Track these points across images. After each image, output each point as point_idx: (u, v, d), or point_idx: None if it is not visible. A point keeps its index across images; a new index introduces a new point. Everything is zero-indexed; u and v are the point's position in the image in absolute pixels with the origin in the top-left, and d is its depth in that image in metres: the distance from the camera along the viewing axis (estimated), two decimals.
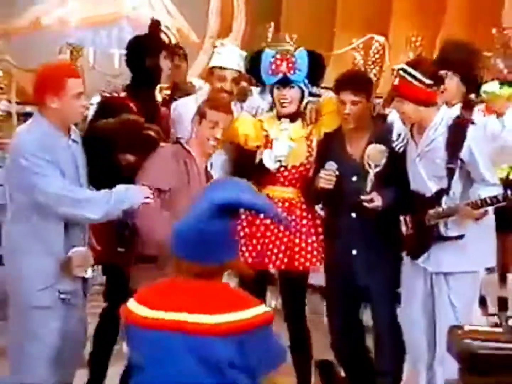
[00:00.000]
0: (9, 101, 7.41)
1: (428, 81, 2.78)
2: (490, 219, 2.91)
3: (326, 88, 3.53)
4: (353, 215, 3.04)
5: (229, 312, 1.89)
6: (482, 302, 3.73)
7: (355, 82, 3.07)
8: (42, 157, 2.68)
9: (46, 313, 2.71)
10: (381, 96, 4.77)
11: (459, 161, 2.79)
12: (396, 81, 2.82)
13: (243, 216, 3.08)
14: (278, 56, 3.08)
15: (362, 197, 2.95)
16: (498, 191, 2.76)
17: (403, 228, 2.93)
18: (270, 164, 3.01)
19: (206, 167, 3.02)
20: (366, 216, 2.99)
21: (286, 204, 3.09)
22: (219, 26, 9.48)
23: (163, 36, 3.57)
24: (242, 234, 3.10)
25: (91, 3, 9.15)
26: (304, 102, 3.13)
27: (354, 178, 3.02)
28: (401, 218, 2.93)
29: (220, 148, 3.10)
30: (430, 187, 2.84)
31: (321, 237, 3.13)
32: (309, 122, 3.12)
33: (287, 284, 3.12)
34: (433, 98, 2.80)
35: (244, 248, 3.09)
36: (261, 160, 3.04)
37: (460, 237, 2.82)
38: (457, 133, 2.79)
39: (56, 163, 2.71)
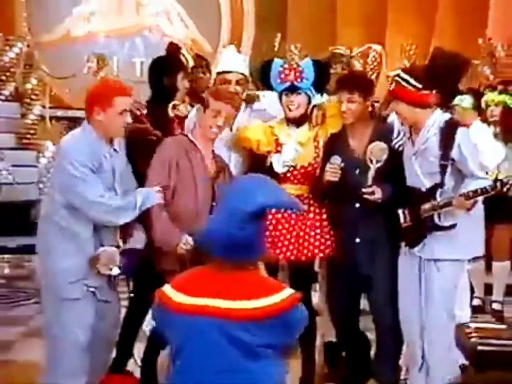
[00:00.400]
0: (43, 107, 7.65)
1: (420, 85, 2.93)
2: (479, 212, 3.01)
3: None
4: (357, 205, 3.09)
5: (260, 297, 1.93)
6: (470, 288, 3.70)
7: (351, 82, 3.18)
8: (86, 165, 2.75)
9: (75, 305, 2.75)
10: (378, 101, 4.96)
11: (450, 159, 2.90)
12: (392, 86, 2.98)
13: None
14: (286, 66, 3.14)
15: (364, 190, 2.99)
16: (487, 183, 2.87)
17: (402, 220, 3.02)
18: (279, 168, 3.11)
19: (213, 151, 3.07)
20: (369, 206, 3.04)
21: (305, 201, 3.13)
22: (230, 36, 9.65)
23: (181, 57, 3.62)
24: None
25: (114, 17, 9.40)
26: (310, 107, 3.21)
27: (357, 171, 3.07)
28: (400, 211, 3.03)
29: (233, 150, 3.17)
30: (425, 183, 2.96)
31: (327, 229, 3.18)
32: (315, 124, 3.23)
33: (295, 273, 3.18)
34: (425, 100, 2.94)
35: None
36: (271, 163, 3.13)
37: (453, 226, 2.92)
38: (448, 134, 2.92)
39: (97, 171, 2.79)
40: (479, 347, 1.98)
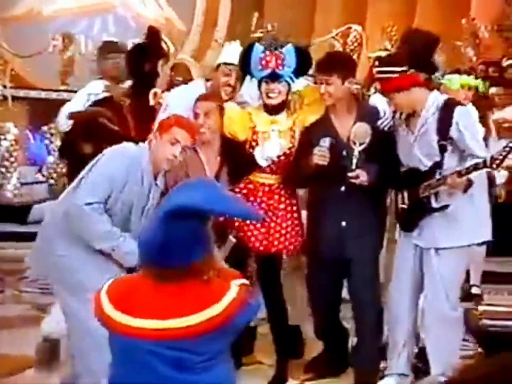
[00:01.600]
0: (4, 86, 7.27)
1: (405, 68, 2.85)
2: (482, 194, 2.92)
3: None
4: (342, 188, 3.04)
5: (196, 312, 1.76)
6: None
7: (328, 63, 3.09)
8: (113, 177, 2.64)
9: None
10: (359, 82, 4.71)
11: (449, 138, 2.84)
12: (379, 84, 2.98)
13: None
14: (267, 52, 3.05)
15: (349, 174, 2.96)
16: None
17: (399, 202, 2.94)
18: (262, 162, 3.01)
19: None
20: (355, 189, 2.99)
21: (266, 189, 3.10)
22: (205, 16, 9.33)
23: (162, 43, 3.54)
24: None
25: None
26: (289, 94, 3.14)
27: (343, 154, 3.03)
28: (398, 194, 2.95)
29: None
30: (425, 163, 2.89)
31: (298, 221, 3.12)
32: (293, 111, 3.12)
33: (263, 264, 3.13)
34: (414, 79, 2.88)
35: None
36: (252, 155, 3.03)
37: (445, 207, 2.83)
38: (446, 113, 2.85)
39: (122, 192, 2.67)
40: (490, 329, 1.99)
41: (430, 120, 2.88)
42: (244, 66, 3.14)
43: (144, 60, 3.33)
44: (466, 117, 2.91)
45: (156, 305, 1.77)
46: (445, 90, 4.17)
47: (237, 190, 3.06)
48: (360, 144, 2.93)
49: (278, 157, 3.05)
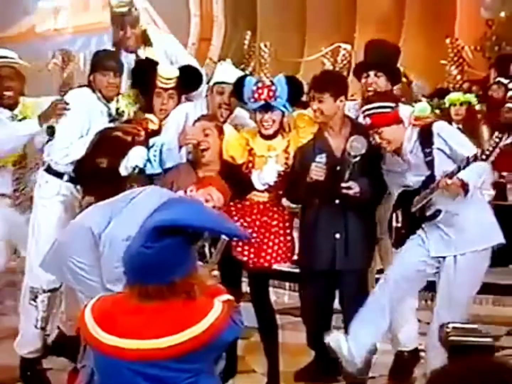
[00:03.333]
0: None
1: (392, 105, 2.97)
2: (482, 198, 2.94)
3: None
4: (337, 201, 3.09)
5: (179, 331, 1.71)
6: None
7: (321, 81, 3.15)
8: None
9: None
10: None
11: (435, 151, 2.88)
12: (368, 120, 2.95)
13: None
14: (259, 85, 3.10)
15: (342, 184, 3.02)
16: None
17: (394, 223, 2.99)
18: (259, 186, 3.08)
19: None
20: (348, 202, 3.05)
21: (261, 206, 3.17)
22: (200, 34, 9.47)
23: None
24: None
25: (81, 13, 9.08)
26: (284, 120, 3.20)
27: (337, 169, 3.08)
28: (393, 214, 2.99)
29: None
30: (415, 181, 2.94)
31: (290, 237, 3.18)
32: (287, 132, 3.19)
33: (254, 277, 3.18)
34: (398, 116, 2.99)
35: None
36: (250, 178, 3.09)
37: (438, 212, 2.85)
38: (425, 132, 2.92)
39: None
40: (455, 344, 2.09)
41: (413, 149, 2.93)
42: (238, 96, 3.20)
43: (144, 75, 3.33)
44: (445, 127, 2.98)
45: (139, 325, 1.74)
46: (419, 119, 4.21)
47: (232, 207, 3.11)
48: (355, 157, 2.96)
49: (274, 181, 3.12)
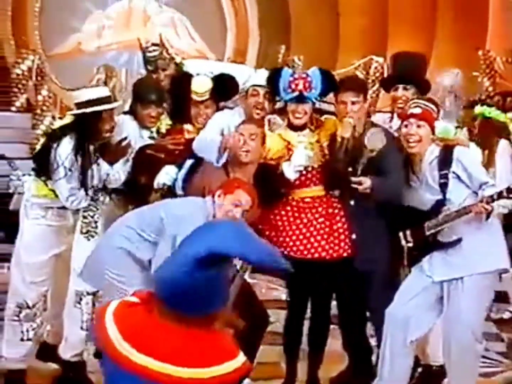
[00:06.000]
0: (54, 117, 7.62)
1: (436, 111, 2.99)
2: (493, 222, 2.89)
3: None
4: (351, 202, 3.09)
5: (211, 365, 1.64)
6: None
7: (355, 83, 3.20)
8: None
9: None
10: (379, 111, 4.81)
11: (451, 175, 2.87)
12: (418, 110, 2.92)
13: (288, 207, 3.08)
14: (296, 76, 3.13)
15: (353, 179, 2.96)
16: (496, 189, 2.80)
17: (402, 242, 2.96)
18: (291, 174, 3.06)
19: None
20: (363, 202, 3.02)
21: (318, 201, 3.13)
22: (235, 49, 9.59)
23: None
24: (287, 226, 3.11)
25: (123, 30, 9.33)
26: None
27: (350, 169, 3.05)
28: (400, 233, 2.97)
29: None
30: (427, 202, 2.91)
31: (342, 229, 3.09)
32: (315, 128, 3.19)
33: (325, 273, 3.06)
34: (434, 125, 2.99)
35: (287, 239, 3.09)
36: (281, 172, 3.07)
37: (459, 240, 2.83)
38: (445, 154, 2.91)
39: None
40: None
41: (431, 165, 2.91)
42: (272, 88, 3.19)
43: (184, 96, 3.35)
44: (465, 153, 2.94)
45: (177, 350, 1.62)
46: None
47: (290, 206, 3.07)
48: (372, 151, 2.93)
49: (312, 168, 3.08)
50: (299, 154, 3.09)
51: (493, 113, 5.04)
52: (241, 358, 1.67)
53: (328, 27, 8.99)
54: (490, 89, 7.34)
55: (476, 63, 7.57)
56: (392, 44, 8.53)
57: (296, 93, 3.11)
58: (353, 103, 3.08)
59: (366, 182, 2.97)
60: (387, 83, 3.44)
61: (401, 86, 3.24)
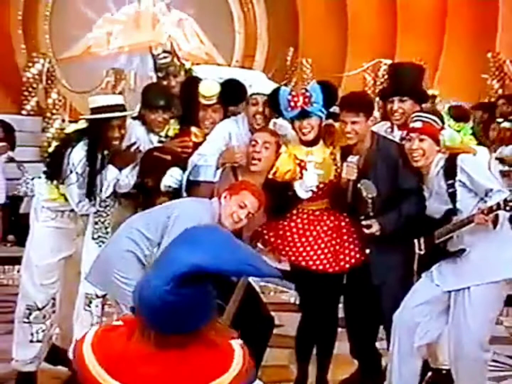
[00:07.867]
0: (63, 120, 7.65)
1: (439, 123, 2.96)
2: (506, 230, 2.87)
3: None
4: (362, 218, 3.05)
5: (210, 381, 1.45)
6: None
7: (355, 103, 3.13)
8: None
9: None
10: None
11: (457, 183, 2.85)
12: (419, 124, 2.91)
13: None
14: (293, 93, 3.11)
15: (363, 222, 2.99)
16: (502, 195, 2.76)
17: (416, 249, 2.96)
18: (303, 194, 3.07)
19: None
20: (378, 216, 2.99)
21: (326, 214, 3.14)
22: (244, 51, 9.61)
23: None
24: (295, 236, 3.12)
25: (132, 33, 9.37)
26: (322, 125, 3.17)
27: (359, 185, 3.05)
28: (415, 240, 2.97)
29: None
30: (439, 211, 2.89)
31: (351, 239, 3.11)
32: (329, 141, 3.19)
33: (329, 284, 3.07)
34: (439, 137, 2.96)
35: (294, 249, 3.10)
36: (294, 190, 3.08)
37: (462, 251, 2.82)
38: (450, 163, 2.90)
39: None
40: None
41: (437, 176, 2.90)
42: (275, 109, 3.20)
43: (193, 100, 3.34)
44: (468, 160, 2.91)
45: (157, 375, 1.46)
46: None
47: (300, 218, 3.09)
48: (370, 197, 2.95)
49: (322, 183, 3.07)
50: (310, 175, 3.08)
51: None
52: (234, 369, 1.48)
53: (337, 29, 8.98)
54: (500, 91, 7.30)
55: (486, 65, 7.53)
56: (401, 47, 8.51)
57: (298, 110, 3.08)
58: (353, 123, 3.05)
59: (375, 226, 2.97)
60: (383, 96, 3.39)
61: (396, 98, 3.19)
